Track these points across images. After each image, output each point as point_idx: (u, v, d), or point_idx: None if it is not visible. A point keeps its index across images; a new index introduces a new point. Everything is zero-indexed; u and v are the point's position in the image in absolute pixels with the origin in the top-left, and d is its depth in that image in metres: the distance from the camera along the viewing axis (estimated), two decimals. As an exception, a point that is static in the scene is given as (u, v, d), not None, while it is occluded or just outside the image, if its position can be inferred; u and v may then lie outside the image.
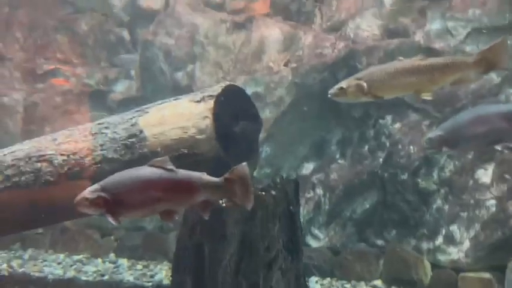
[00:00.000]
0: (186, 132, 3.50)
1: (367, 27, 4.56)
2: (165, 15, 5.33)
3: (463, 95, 4.17)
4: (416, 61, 3.07)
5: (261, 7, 5.07)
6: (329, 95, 3.17)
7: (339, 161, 4.78)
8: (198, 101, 3.55)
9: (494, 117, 3.04)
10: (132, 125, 3.68)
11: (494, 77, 4.01)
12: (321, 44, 4.71)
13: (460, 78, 3.04)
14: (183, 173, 2.73)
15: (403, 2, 4.45)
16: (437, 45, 4.23)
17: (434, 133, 3.17)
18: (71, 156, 3.73)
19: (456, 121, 3.13)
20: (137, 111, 3.79)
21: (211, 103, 3.47)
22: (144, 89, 5.56)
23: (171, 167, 2.72)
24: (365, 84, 3.06)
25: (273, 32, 4.98)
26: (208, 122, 3.46)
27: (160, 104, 3.74)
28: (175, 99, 3.73)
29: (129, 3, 5.47)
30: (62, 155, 3.75)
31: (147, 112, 3.71)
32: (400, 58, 3.23)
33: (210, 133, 3.45)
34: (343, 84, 3.12)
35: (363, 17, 4.57)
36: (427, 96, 3.07)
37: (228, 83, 3.69)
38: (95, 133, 3.79)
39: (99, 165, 3.70)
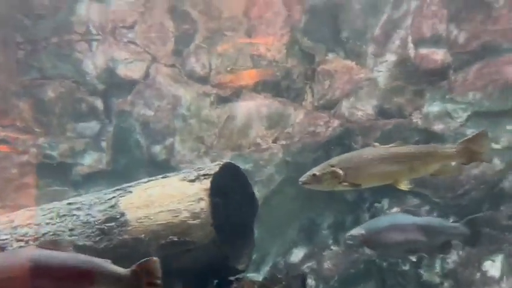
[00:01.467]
0: (177, 216, 3.03)
1: (362, 106, 4.41)
2: (144, 86, 4.98)
3: (466, 181, 3.99)
4: (396, 149, 2.89)
5: (246, 79, 4.86)
6: (300, 183, 2.93)
7: (332, 247, 4.39)
8: (191, 180, 3.12)
9: (411, 228, 3.24)
10: (111, 207, 3.17)
11: (497, 163, 3.87)
12: (314, 121, 4.49)
13: (440, 168, 2.89)
14: (76, 258, 2.32)
15: (397, 82, 4.36)
16: (437, 127, 4.10)
17: (357, 231, 3.32)
18: (31, 243, 3.13)
19: (377, 225, 3.28)
20: (118, 190, 3.29)
21: (207, 183, 3.05)
22: (116, 162, 5.06)
23: (64, 249, 2.25)
24: (341, 172, 2.82)
25: (261, 107, 4.73)
26: (203, 205, 3.02)
27: (146, 182, 3.28)
28: (163, 177, 3.28)
29: (105, 71, 5.10)
30: (18, 241, 3.14)
31: (130, 192, 3.22)
32: (376, 144, 3.16)
33: (206, 218, 3.00)
34: (317, 171, 2.91)
35: (357, 96, 4.43)
36: (404, 187, 2.87)
37: (225, 161, 3.31)
38: (64, 215, 3.24)
39: (67, 253, 3.12)
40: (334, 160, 2.97)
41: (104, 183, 5.06)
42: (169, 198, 3.09)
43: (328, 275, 4.25)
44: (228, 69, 4.85)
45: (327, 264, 4.32)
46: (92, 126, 5.15)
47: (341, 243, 4.40)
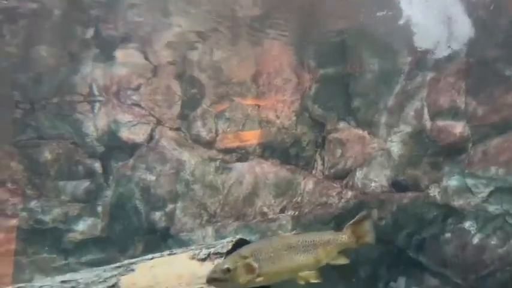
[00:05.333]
0: (185, 301, 2.72)
1: (375, 177, 4.22)
2: (147, 149, 4.78)
3: (490, 261, 3.74)
4: (302, 237, 2.68)
5: (252, 140, 4.68)
6: (207, 280, 2.52)
7: (346, 331, 4.04)
8: (202, 259, 2.82)
9: None
10: (111, 287, 2.84)
11: (524, 242, 3.65)
12: (325, 192, 4.28)
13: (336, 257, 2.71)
14: None
15: (412, 154, 4.21)
16: (457, 203, 3.91)
17: None
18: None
19: None
20: (118, 267, 2.97)
21: (219, 263, 2.76)
22: (111, 229, 4.74)
23: None
24: (256, 264, 2.52)
25: (268, 174, 4.52)
26: (214, 288, 2.72)
27: (151, 259, 2.97)
28: (170, 254, 2.98)
29: (106, 133, 4.91)
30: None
31: (133, 270, 2.90)
32: (280, 232, 2.85)
33: (218, 303, 2.69)
34: (229, 264, 2.51)
35: (371, 167, 4.26)
36: (314, 279, 2.62)
37: (238, 237, 3.03)
38: (56, 295, 2.90)
39: None
40: (245, 250, 2.61)
41: (97, 251, 4.72)
42: (176, 279, 2.78)
43: None
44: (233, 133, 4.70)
45: None
46: (88, 190, 4.88)
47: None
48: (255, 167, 4.61)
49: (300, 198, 4.39)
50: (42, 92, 4.96)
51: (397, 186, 4.17)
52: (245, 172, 4.60)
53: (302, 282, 2.66)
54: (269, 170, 4.56)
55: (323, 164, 4.47)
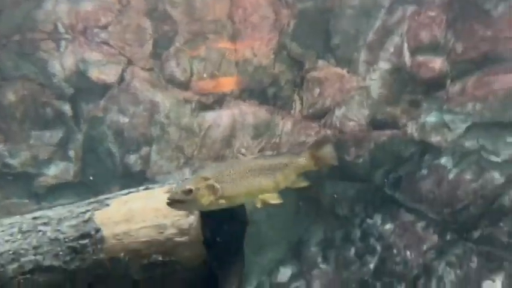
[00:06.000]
0: (162, 233, 2.66)
1: (354, 116, 4.17)
2: (119, 90, 4.58)
3: (464, 195, 3.80)
4: (262, 160, 2.70)
5: (230, 86, 4.54)
6: (168, 201, 2.47)
7: (321, 266, 4.10)
8: (179, 192, 2.75)
9: None
10: (84, 221, 2.75)
11: (497, 176, 3.71)
12: (304, 131, 4.22)
13: (294, 180, 2.72)
14: None
15: (391, 92, 4.16)
16: (434, 139, 3.91)
17: None
18: (-13, 262, 2.68)
19: None
20: (93, 202, 2.88)
21: (197, 195, 2.69)
22: (85, 173, 4.61)
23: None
24: (218, 186, 2.50)
25: (246, 116, 4.43)
26: (192, 220, 2.66)
27: (126, 194, 2.88)
28: (146, 189, 2.90)
29: (74, 73, 4.66)
30: (-29, 260, 2.69)
31: (107, 205, 2.82)
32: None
33: (196, 235, 2.64)
34: (191, 185, 2.46)
35: (349, 106, 4.20)
36: (274, 200, 2.64)
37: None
38: (27, 231, 2.80)
39: (29, 275, 2.69)
40: (206, 172, 2.58)
41: (71, 196, 4.60)
42: (153, 212, 2.71)
43: (318, 296, 3.95)
44: (209, 74, 4.54)
45: (316, 284, 4.02)
46: (58, 133, 4.69)
47: (331, 261, 4.13)
48: (233, 109, 4.49)
49: (278, 139, 4.33)
50: (2, 29, 4.65)
51: (375, 124, 4.14)
52: (222, 114, 4.49)
53: (260, 205, 2.65)
54: (247, 111, 4.46)
55: (301, 104, 4.39)
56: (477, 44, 3.80)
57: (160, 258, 2.63)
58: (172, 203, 2.48)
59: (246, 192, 2.62)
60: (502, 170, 3.67)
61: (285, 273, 4.14)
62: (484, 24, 3.79)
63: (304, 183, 2.78)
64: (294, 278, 4.11)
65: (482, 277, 3.67)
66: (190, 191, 2.45)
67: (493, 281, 3.63)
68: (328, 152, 2.74)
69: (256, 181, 2.61)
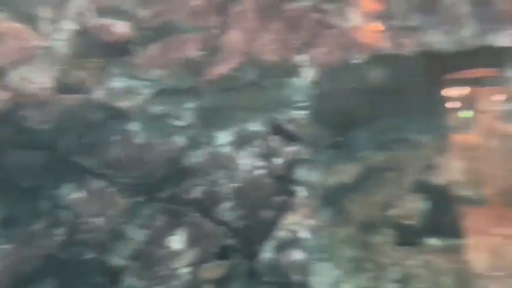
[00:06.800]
0: None
1: (36, 78, 3.79)
2: None
3: (151, 158, 3.94)
4: None
5: None
6: None
7: (4, 246, 3.67)
8: None
9: None
10: None
11: (180, 140, 3.97)
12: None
13: None
14: None
15: (78, 54, 3.94)
16: (122, 104, 3.90)
17: None
18: None
19: None
20: None
21: None
22: None
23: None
24: None
25: None
26: None
27: None
28: None
29: None
30: None
31: None
32: None
33: None
34: None
35: (30, 67, 3.78)
36: None
37: None
38: None
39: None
40: None
41: None
42: None
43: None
44: None
45: (-5, 267, 3.57)
46: None
47: (15, 239, 3.74)
48: None
49: None
50: None
51: (61, 88, 3.87)
52: None
53: None
54: None
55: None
56: (160, 12, 3.93)
57: None
58: None
59: None
60: (183, 134, 3.93)
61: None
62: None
63: None
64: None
65: (167, 233, 3.92)
66: None
67: (176, 235, 3.92)
68: None
69: None
